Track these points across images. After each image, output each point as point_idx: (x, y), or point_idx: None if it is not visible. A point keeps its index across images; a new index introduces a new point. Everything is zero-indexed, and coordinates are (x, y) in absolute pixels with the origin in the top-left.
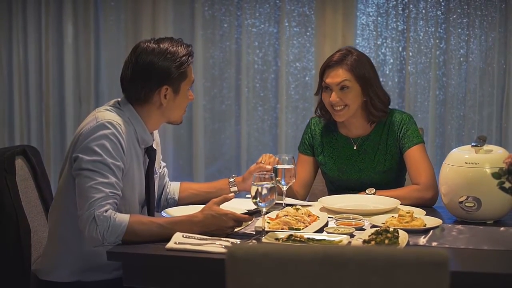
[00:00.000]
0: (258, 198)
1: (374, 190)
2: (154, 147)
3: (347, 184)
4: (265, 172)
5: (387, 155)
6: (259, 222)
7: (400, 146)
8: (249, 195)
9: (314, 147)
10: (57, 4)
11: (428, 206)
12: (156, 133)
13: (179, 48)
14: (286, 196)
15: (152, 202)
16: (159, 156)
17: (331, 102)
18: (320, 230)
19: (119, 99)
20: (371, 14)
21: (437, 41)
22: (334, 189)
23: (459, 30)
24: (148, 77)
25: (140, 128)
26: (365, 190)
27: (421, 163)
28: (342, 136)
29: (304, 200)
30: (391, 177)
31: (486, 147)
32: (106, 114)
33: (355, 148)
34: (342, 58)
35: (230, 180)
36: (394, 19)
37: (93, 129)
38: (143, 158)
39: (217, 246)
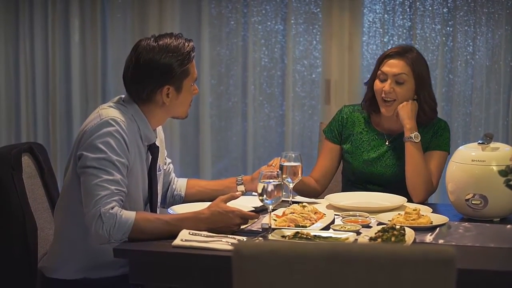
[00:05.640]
0: (265, 195)
1: None
2: (157, 144)
3: (369, 178)
4: (272, 170)
5: None
6: (265, 220)
7: (427, 145)
8: (255, 193)
9: (343, 136)
10: (63, 2)
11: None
12: (160, 129)
13: (179, 44)
14: (303, 189)
15: (155, 199)
16: (163, 152)
17: (384, 91)
18: (326, 228)
19: (123, 96)
20: (377, 11)
21: (444, 38)
22: (354, 180)
23: (466, 27)
24: (150, 77)
25: (144, 126)
26: (385, 186)
27: (435, 169)
28: (375, 129)
29: (324, 191)
30: None
31: (493, 144)
32: (110, 111)
33: (387, 143)
34: (404, 51)
35: (238, 179)
36: (401, 17)
37: (97, 127)
38: (146, 155)
39: (223, 243)
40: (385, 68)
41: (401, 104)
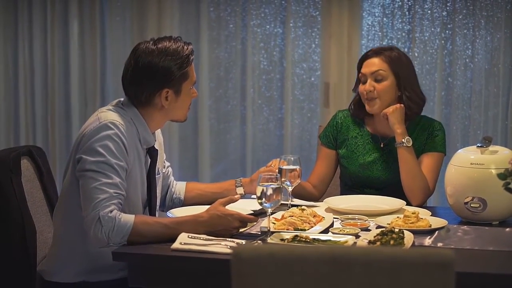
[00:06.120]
0: (264, 199)
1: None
2: (156, 147)
3: (366, 182)
4: (271, 173)
5: None
6: (264, 223)
7: (423, 147)
8: (254, 196)
9: (338, 141)
10: (62, 3)
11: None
12: (159, 133)
13: (178, 47)
14: (301, 193)
15: (154, 202)
16: (162, 156)
17: (365, 90)
18: (325, 231)
19: (122, 99)
20: (376, 14)
21: (443, 42)
22: (351, 184)
23: (465, 31)
24: (149, 80)
25: (142, 129)
26: (382, 189)
27: (431, 172)
28: (369, 133)
29: (321, 196)
30: None
31: (492, 147)
32: (109, 114)
33: (382, 146)
34: (381, 50)
35: (237, 181)
36: (400, 20)
37: (96, 130)
38: (145, 159)
39: (222, 246)
40: (364, 69)
41: (390, 110)
